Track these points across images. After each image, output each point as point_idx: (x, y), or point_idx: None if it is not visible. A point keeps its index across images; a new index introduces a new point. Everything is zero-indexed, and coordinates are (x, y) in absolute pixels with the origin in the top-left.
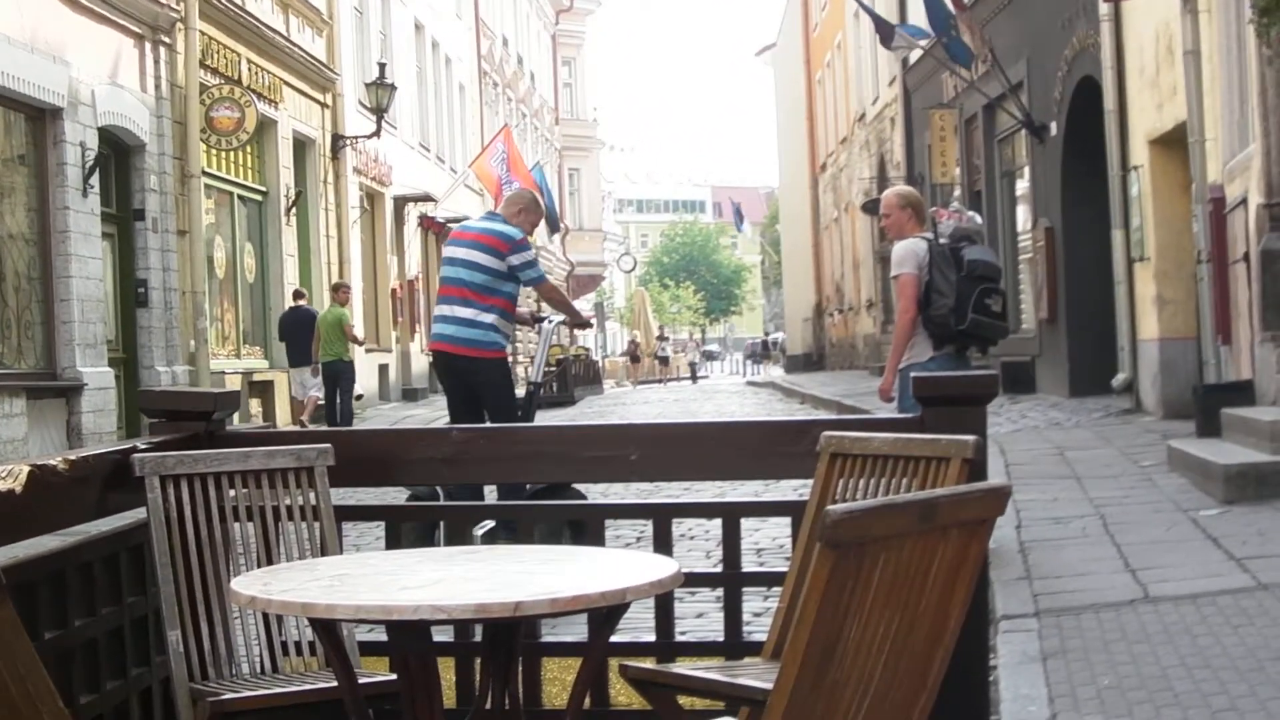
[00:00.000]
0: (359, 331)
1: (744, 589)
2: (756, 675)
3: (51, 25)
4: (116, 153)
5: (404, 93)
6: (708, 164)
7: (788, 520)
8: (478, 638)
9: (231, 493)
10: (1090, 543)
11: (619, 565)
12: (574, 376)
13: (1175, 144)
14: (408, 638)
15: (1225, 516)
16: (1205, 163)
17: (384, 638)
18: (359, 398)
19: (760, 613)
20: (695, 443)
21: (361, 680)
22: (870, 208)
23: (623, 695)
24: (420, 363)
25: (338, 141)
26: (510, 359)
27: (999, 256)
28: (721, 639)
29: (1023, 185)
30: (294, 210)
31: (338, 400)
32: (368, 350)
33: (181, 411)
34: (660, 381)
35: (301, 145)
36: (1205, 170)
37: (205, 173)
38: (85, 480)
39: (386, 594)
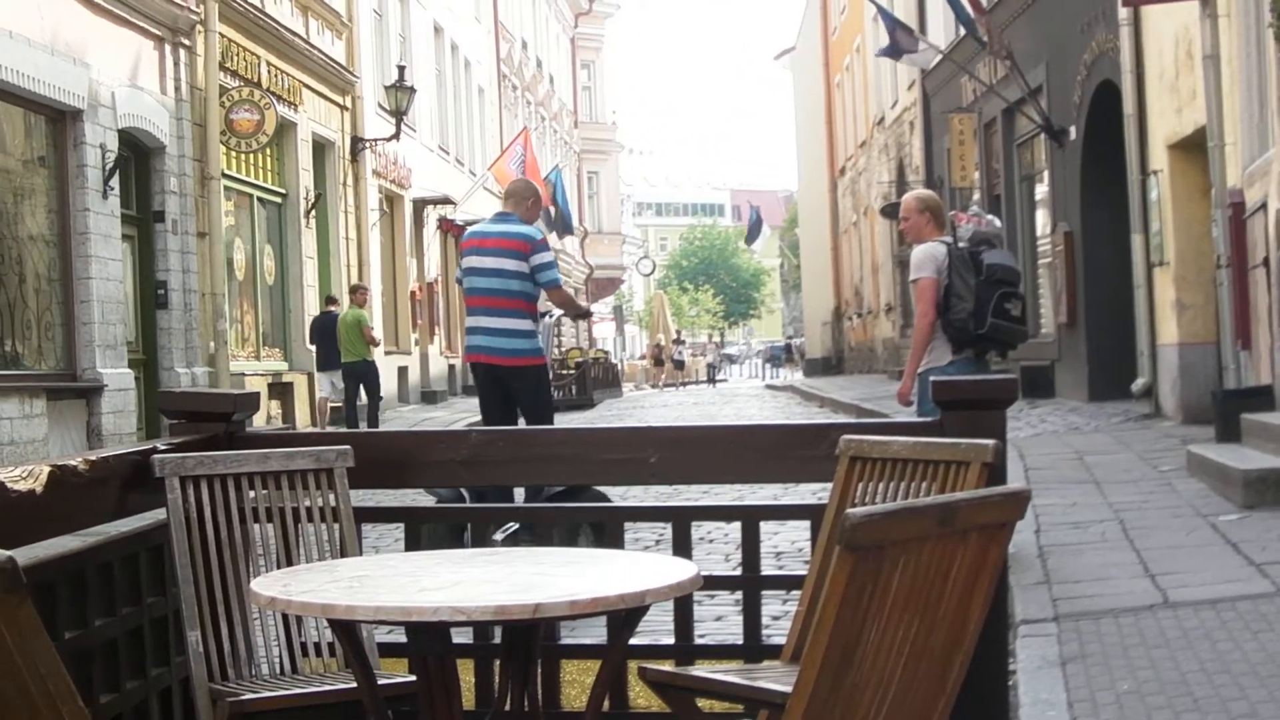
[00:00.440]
0: (378, 333)
1: (763, 592)
2: (775, 678)
3: (71, 27)
4: (136, 155)
5: (423, 95)
6: (727, 167)
7: (807, 524)
8: (497, 639)
9: (251, 494)
10: (1109, 547)
11: (638, 568)
12: (593, 379)
13: (1195, 148)
14: (427, 639)
15: (1245, 521)
16: (1225, 167)
17: (403, 639)
18: (362, 402)
19: (779, 616)
20: (714, 446)
21: (381, 681)
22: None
23: (641, 697)
24: (439, 365)
25: (357, 144)
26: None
27: (1018, 260)
28: (740, 642)
29: (1042, 189)
30: (313, 212)
31: (359, 401)
32: (387, 352)
33: (201, 413)
34: (676, 385)
35: (321, 148)
36: (1225, 175)
37: (225, 175)
38: (105, 481)
39: (406, 595)
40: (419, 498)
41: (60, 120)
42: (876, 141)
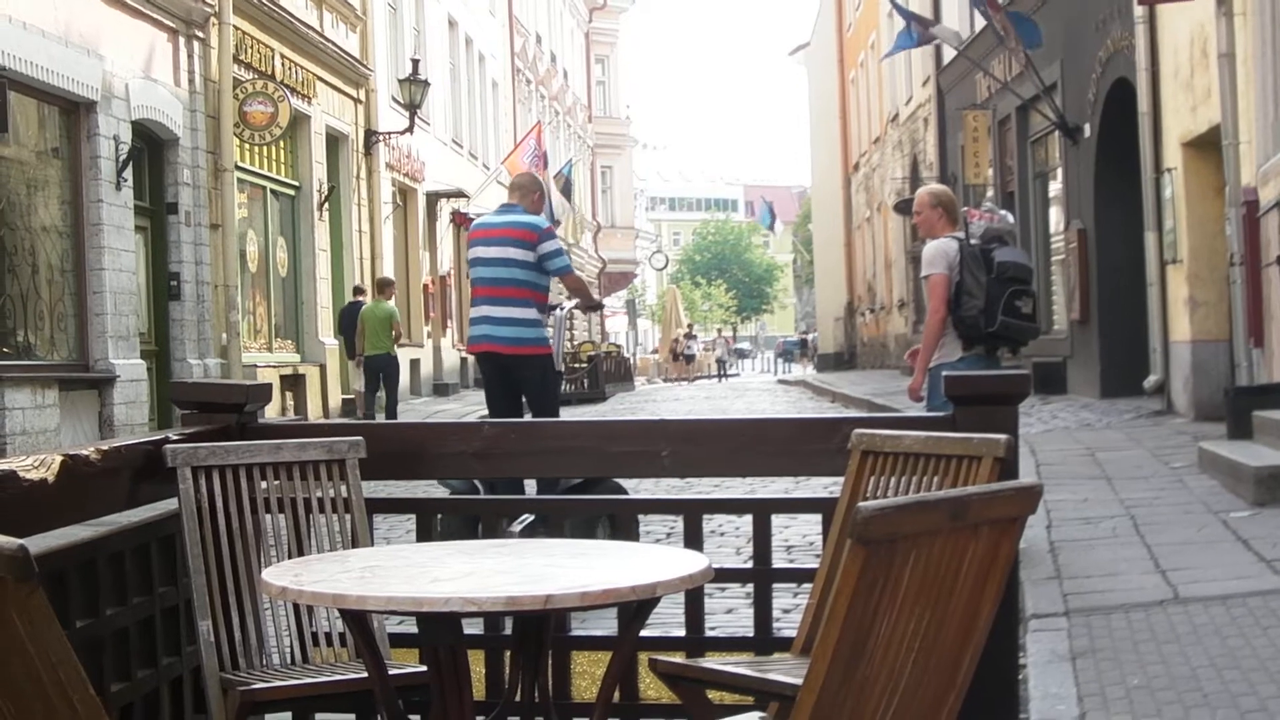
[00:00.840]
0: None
1: (774, 585)
2: (786, 671)
3: (85, 19)
4: (150, 146)
5: (437, 89)
6: (740, 163)
7: (818, 517)
8: (508, 630)
9: (263, 484)
10: (1120, 543)
11: (649, 560)
12: (605, 373)
13: (1209, 146)
14: (438, 629)
15: (1256, 518)
16: (1239, 165)
17: (415, 629)
18: (380, 393)
19: (790, 609)
20: (726, 439)
21: (392, 671)
22: (903, 208)
23: (652, 689)
24: (451, 357)
25: (371, 137)
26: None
27: (1031, 257)
28: (751, 634)
29: (1055, 187)
30: (326, 205)
31: (380, 394)
32: (399, 345)
33: (213, 403)
34: (687, 380)
35: (334, 140)
36: (1239, 173)
37: (238, 167)
38: (117, 471)
39: (417, 586)
40: (430, 489)
41: (74, 112)
42: (890, 138)
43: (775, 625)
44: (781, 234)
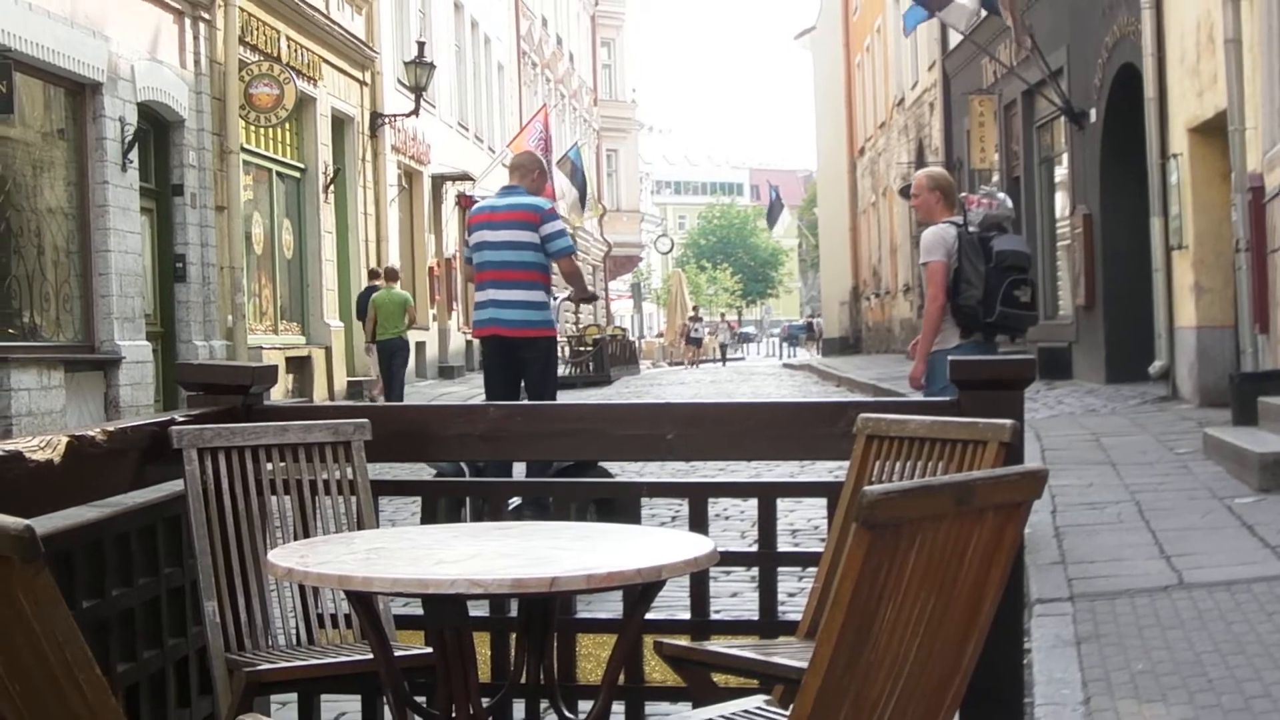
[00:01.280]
0: None
1: (779, 569)
2: (791, 654)
3: (91, 0)
4: (156, 128)
5: (443, 72)
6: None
7: (823, 501)
8: (513, 613)
9: (268, 466)
10: (1125, 528)
11: (655, 543)
12: (610, 356)
13: (1215, 132)
14: (444, 611)
15: (1260, 504)
16: (1245, 151)
17: (420, 611)
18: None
19: (795, 593)
20: (731, 423)
21: (397, 653)
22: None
23: (657, 672)
24: (457, 340)
25: (376, 119)
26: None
27: (1035, 242)
28: (756, 618)
29: (1061, 172)
30: (332, 187)
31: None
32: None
33: (219, 385)
34: (695, 364)
35: (340, 123)
36: (1245, 159)
37: (244, 149)
38: (123, 452)
39: (423, 568)
40: (429, 471)
41: (80, 93)
42: (896, 122)
43: (780, 609)
44: (788, 225)
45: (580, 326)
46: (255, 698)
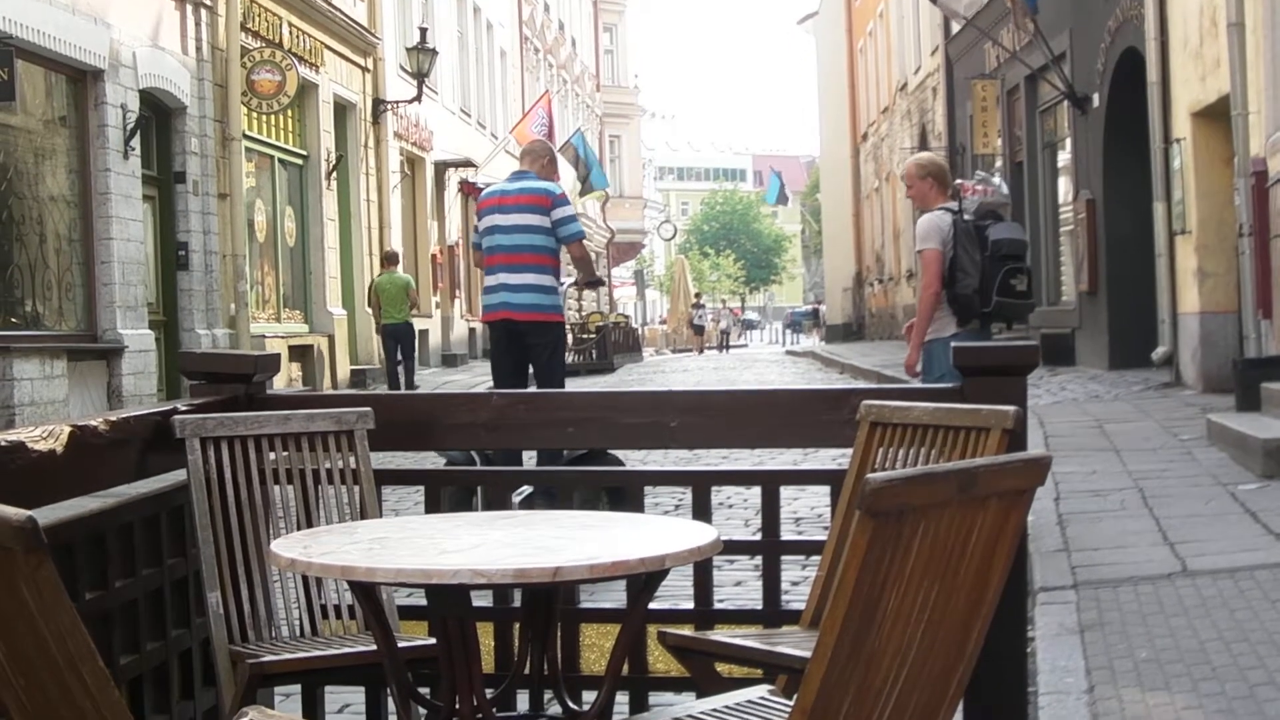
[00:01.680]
0: None
1: (782, 557)
2: (795, 643)
3: None
4: (157, 115)
5: (445, 58)
6: (749, 132)
7: (826, 489)
8: (517, 603)
9: (271, 455)
10: (1129, 516)
11: (658, 532)
12: (614, 344)
13: (1218, 117)
14: (447, 602)
15: (1264, 491)
16: (1248, 136)
17: (423, 602)
18: (399, 363)
19: (798, 581)
20: (735, 410)
21: (401, 644)
22: None
23: (661, 662)
24: (460, 328)
25: (378, 106)
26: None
27: (1038, 228)
28: (760, 607)
29: (1064, 157)
30: (334, 174)
31: (398, 360)
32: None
33: (222, 374)
34: (696, 351)
35: (342, 109)
36: (1248, 143)
37: (246, 136)
38: (126, 442)
39: (426, 558)
40: (435, 460)
41: (81, 80)
42: (899, 107)
43: (784, 598)
44: (790, 209)
45: (583, 314)
46: (259, 689)
